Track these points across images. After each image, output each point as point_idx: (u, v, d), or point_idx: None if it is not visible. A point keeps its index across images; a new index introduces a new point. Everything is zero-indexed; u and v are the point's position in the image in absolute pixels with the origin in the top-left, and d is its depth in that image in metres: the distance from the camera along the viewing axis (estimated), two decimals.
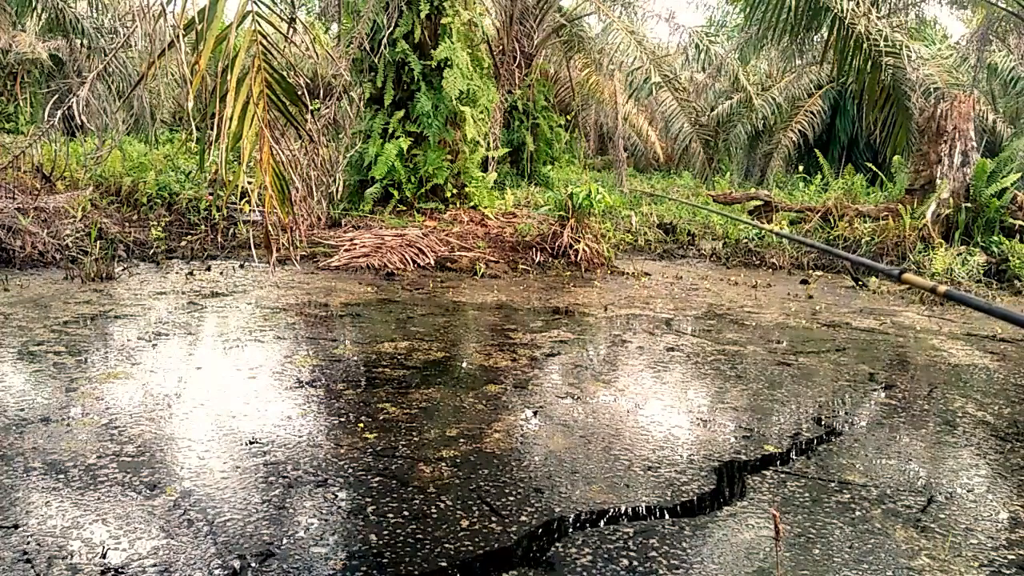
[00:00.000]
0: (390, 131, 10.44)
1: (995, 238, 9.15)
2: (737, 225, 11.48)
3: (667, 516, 2.75)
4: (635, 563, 2.40)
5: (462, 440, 3.37)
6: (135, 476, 2.86)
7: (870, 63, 10.06)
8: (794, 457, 3.38)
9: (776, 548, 2.51)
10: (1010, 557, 2.55)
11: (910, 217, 9.37)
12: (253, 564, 2.31)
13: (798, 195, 13.97)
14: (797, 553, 2.50)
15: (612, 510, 2.77)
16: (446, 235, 9.33)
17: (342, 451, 3.20)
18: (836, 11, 9.87)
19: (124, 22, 13.35)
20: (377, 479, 2.94)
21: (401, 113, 10.46)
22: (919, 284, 1.50)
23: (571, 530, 2.62)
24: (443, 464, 3.10)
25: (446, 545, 2.47)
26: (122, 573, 2.23)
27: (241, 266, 7.99)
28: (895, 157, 13.07)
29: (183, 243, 8.93)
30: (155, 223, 9.43)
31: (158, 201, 10.37)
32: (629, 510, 2.78)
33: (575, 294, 7.32)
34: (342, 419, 3.62)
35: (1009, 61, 18.36)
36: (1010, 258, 8.70)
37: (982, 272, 8.39)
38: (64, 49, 18.00)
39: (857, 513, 2.82)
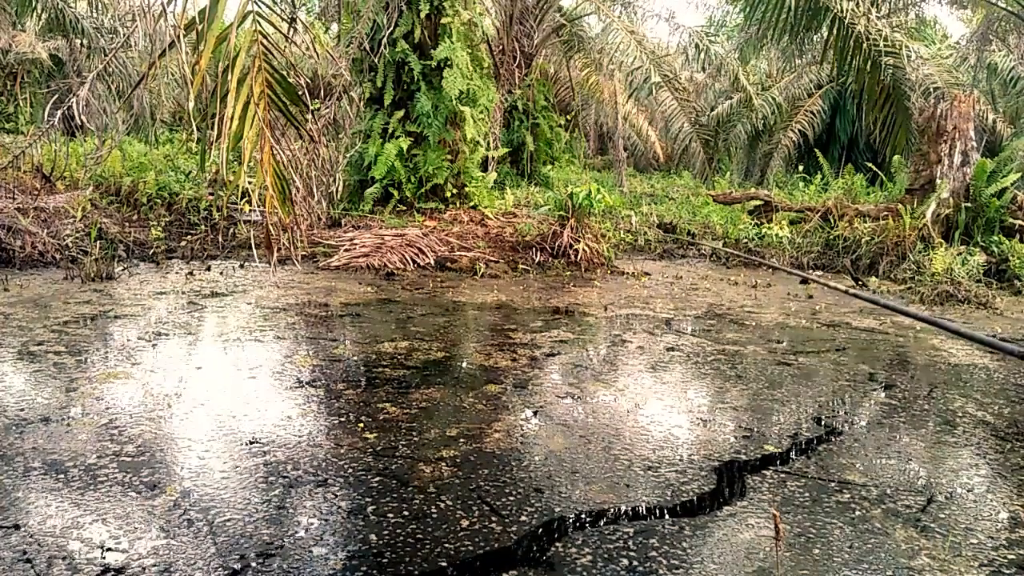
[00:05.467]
0: (390, 131, 10.44)
1: (995, 238, 9.15)
2: (737, 224, 11.48)
3: (667, 516, 2.75)
4: (635, 563, 2.40)
5: (462, 440, 3.37)
6: (135, 476, 2.87)
7: (870, 63, 10.06)
8: (794, 457, 3.38)
9: (776, 548, 2.51)
10: (1010, 557, 2.55)
11: (910, 217, 9.36)
12: (253, 564, 2.31)
13: (798, 195, 13.96)
14: (797, 553, 2.50)
15: (612, 510, 2.77)
16: (446, 235, 9.33)
17: (342, 451, 3.20)
18: (836, 11, 9.87)
19: (124, 22, 13.35)
20: (377, 479, 2.94)
21: (401, 113, 10.46)
22: None
23: (571, 530, 2.62)
24: (443, 464, 3.10)
25: (446, 545, 2.47)
26: (122, 573, 2.23)
27: (241, 266, 7.99)
28: (895, 157, 13.06)
29: (183, 243, 8.93)
30: (155, 223, 9.43)
31: (158, 201, 10.37)
32: (629, 510, 2.78)
33: (575, 294, 7.32)
34: (342, 419, 3.62)
35: (1009, 61, 18.35)
36: (1010, 258, 8.69)
37: (982, 272, 8.39)
38: (64, 49, 18.01)
39: (857, 513, 2.82)
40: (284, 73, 5.06)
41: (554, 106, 19.06)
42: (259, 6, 4.99)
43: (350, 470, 3.01)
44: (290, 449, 3.19)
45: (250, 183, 4.99)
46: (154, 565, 2.27)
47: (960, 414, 4.07)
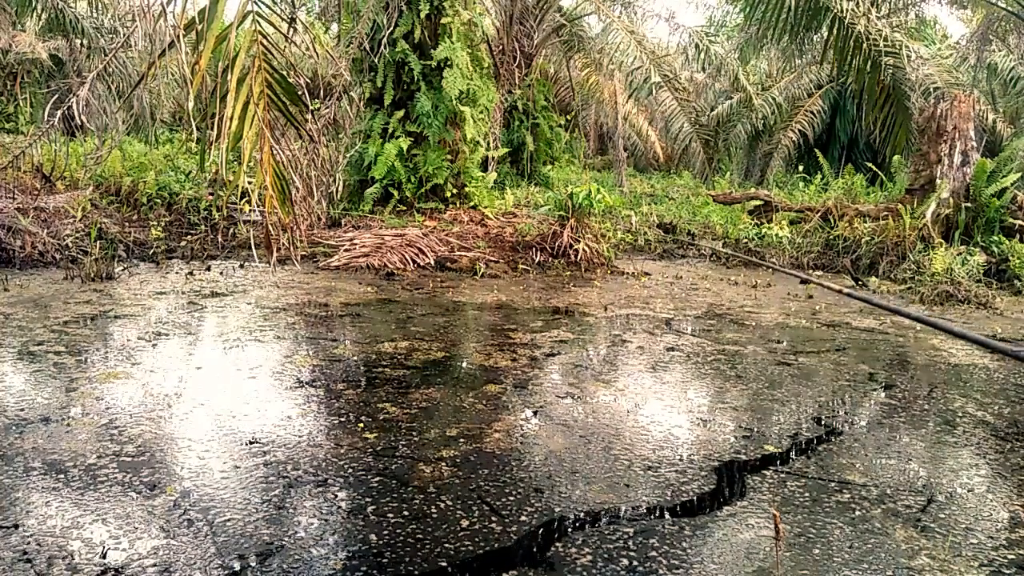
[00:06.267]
0: (390, 131, 10.44)
1: (995, 238, 9.14)
2: (737, 225, 11.48)
3: (667, 516, 2.75)
4: (635, 563, 2.40)
5: (462, 440, 3.37)
6: (135, 476, 2.87)
7: (870, 63, 10.06)
8: (794, 457, 3.38)
9: (776, 548, 2.51)
10: (1010, 557, 2.55)
11: (910, 217, 9.36)
12: (253, 564, 2.31)
13: (798, 195, 13.96)
14: (797, 553, 2.50)
15: (612, 510, 2.77)
16: (446, 235, 9.33)
17: (342, 451, 3.20)
18: (836, 11, 9.88)
19: (124, 22, 13.35)
20: (377, 479, 2.94)
21: (401, 113, 10.46)
22: None
23: (571, 530, 2.62)
24: (443, 464, 3.10)
25: (446, 545, 2.47)
26: (122, 573, 2.23)
27: (241, 266, 7.99)
28: (895, 157, 13.06)
29: (183, 243, 8.93)
30: (155, 223, 9.43)
31: (158, 201, 10.37)
32: (629, 510, 2.78)
33: (575, 294, 7.32)
34: (342, 419, 3.62)
35: (1009, 61, 18.34)
36: (1010, 258, 8.69)
37: (982, 272, 8.38)
38: (64, 49, 17.99)
39: (857, 513, 2.82)
40: (284, 73, 5.06)
41: (554, 106, 19.05)
42: (259, 6, 4.99)
43: (350, 470, 3.01)
44: (290, 449, 3.19)
45: (250, 183, 4.99)
46: (154, 565, 2.27)
47: (960, 414, 4.07)
